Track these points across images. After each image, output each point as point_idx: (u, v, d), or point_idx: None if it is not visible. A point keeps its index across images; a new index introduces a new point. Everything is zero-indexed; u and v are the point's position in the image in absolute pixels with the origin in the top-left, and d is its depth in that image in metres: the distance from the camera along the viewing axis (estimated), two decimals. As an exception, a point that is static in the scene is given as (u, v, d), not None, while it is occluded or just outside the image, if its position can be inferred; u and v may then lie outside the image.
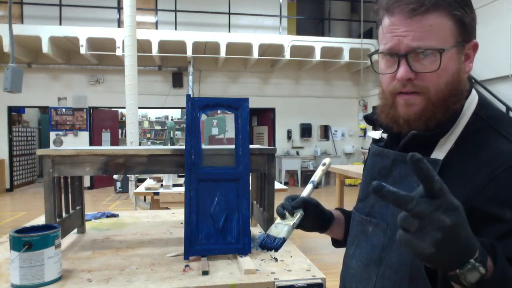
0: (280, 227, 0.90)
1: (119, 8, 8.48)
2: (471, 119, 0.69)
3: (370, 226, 0.77)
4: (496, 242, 0.57)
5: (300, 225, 0.89)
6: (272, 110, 10.37)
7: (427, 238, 0.49)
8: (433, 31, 0.65)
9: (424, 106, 0.68)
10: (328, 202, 7.69)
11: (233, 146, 1.62)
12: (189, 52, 8.47)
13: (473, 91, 0.74)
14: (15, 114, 10.06)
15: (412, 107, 0.69)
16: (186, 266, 1.48)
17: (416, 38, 0.65)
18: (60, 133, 9.39)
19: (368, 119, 0.84)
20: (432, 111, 0.68)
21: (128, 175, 6.00)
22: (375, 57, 0.76)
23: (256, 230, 1.99)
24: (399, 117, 0.71)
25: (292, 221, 0.89)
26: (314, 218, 0.92)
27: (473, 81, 7.26)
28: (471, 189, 0.62)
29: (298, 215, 0.89)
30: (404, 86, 0.68)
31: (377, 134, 0.85)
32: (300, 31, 10.54)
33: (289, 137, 10.37)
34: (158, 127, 12.86)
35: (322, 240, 4.89)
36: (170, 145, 10.27)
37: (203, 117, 7.12)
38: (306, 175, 9.77)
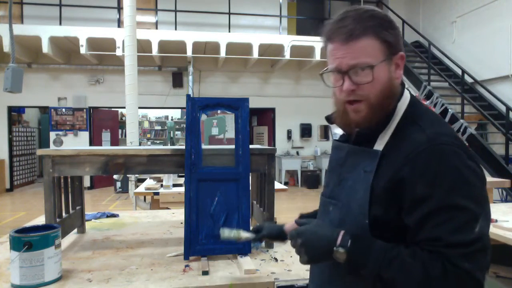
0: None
1: (119, 8, 8.47)
2: (402, 117, 0.87)
3: (330, 206, 0.96)
4: (417, 227, 0.78)
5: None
6: (272, 110, 10.37)
7: (300, 255, 0.87)
8: (365, 51, 0.83)
9: (369, 110, 0.86)
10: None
11: (233, 146, 1.62)
12: (189, 52, 8.46)
13: (406, 93, 0.91)
14: (15, 114, 10.05)
15: (360, 113, 0.87)
16: (186, 266, 1.48)
17: (353, 58, 0.83)
18: (60, 133, 9.39)
19: (328, 119, 1.02)
20: (374, 113, 0.86)
21: (128, 175, 6.00)
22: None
23: (256, 230, 1.99)
24: (351, 121, 0.89)
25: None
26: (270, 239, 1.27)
27: (475, 81, 7.26)
28: (393, 170, 0.81)
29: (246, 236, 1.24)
30: (349, 95, 0.86)
31: (341, 130, 1.01)
32: (300, 31, 10.52)
33: (289, 137, 10.37)
34: (158, 127, 12.85)
35: (322, 240, 4.87)
36: (170, 145, 10.28)
37: (203, 117, 7.12)
38: (306, 175, 9.77)
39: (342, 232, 0.83)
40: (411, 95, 0.91)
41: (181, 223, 2.18)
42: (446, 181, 0.76)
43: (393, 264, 0.77)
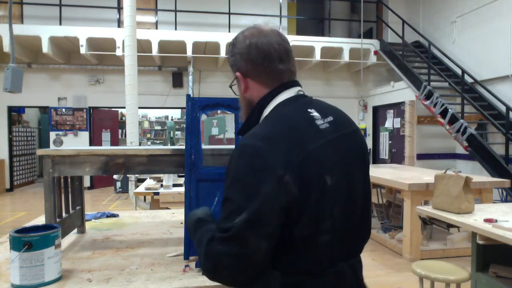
0: None
1: (119, 8, 8.47)
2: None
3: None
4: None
5: None
6: (272, 110, 10.35)
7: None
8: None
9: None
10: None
11: (233, 146, 1.62)
12: (189, 52, 8.46)
13: (277, 99, 1.00)
14: (15, 114, 10.05)
15: None
16: (186, 266, 1.48)
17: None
18: (60, 133, 9.39)
19: None
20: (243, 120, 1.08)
21: (128, 175, 6.00)
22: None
23: (256, 230, 1.99)
24: None
25: None
26: None
27: (475, 81, 7.25)
28: None
29: None
30: None
31: None
32: (300, 31, 10.52)
33: (289, 137, 10.37)
34: (158, 127, 12.85)
35: (322, 240, 4.87)
36: (170, 145, 10.28)
37: (203, 117, 7.12)
38: (306, 175, 9.77)
39: (199, 213, 1.10)
40: (283, 101, 1.00)
41: (181, 223, 2.18)
42: (230, 177, 0.89)
43: (199, 238, 0.97)
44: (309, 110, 0.96)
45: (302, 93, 1.02)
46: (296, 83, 1.03)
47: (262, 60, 0.99)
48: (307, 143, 0.89)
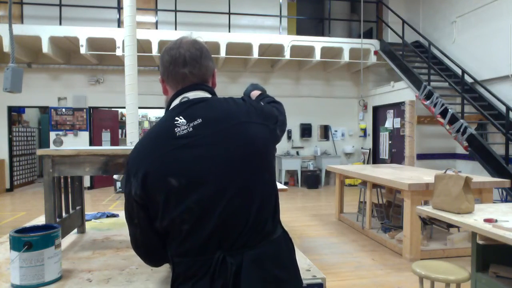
0: None
1: (119, 8, 8.47)
2: None
3: None
4: None
5: None
6: (272, 110, 10.34)
7: None
8: None
9: None
10: (328, 202, 7.68)
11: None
12: (189, 52, 8.44)
13: (171, 106, 1.11)
14: (15, 114, 10.04)
15: None
16: (186, 266, 1.47)
17: None
18: (60, 133, 9.39)
19: None
20: None
21: (128, 175, 5.95)
22: None
23: (256, 230, 1.98)
24: None
25: None
26: None
27: (475, 81, 7.25)
28: None
29: None
30: None
31: None
32: (300, 31, 10.52)
33: (289, 137, 10.37)
34: (158, 127, 12.84)
35: (322, 240, 4.88)
36: (170, 145, 10.19)
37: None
38: (306, 175, 9.78)
39: None
40: (170, 108, 1.10)
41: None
42: None
43: None
44: (176, 118, 1.04)
45: (186, 99, 1.09)
46: (186, 90, 1.11)
47: (169, 64, 1.11)
48: (155, 152, 1.01)
